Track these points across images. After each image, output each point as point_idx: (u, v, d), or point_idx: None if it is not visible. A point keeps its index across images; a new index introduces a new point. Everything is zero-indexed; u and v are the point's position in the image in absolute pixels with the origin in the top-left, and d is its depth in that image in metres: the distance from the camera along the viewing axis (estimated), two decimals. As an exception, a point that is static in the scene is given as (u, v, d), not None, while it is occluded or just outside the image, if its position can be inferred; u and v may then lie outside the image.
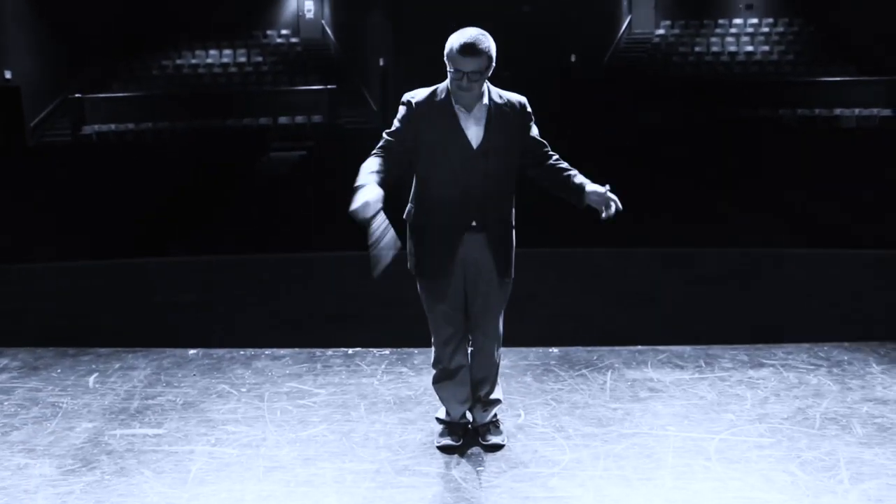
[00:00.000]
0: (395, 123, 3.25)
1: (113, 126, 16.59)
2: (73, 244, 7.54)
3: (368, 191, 2.97)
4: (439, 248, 3.29)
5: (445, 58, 3.15)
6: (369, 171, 3.08)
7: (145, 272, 6.56)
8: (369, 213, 2.94)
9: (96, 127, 16.58)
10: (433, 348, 3.45)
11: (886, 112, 16.00)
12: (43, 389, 4.19)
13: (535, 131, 3.31)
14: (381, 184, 3.05)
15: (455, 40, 3.12)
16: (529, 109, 3.30)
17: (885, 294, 6.03)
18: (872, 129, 15.44)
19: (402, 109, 3.25)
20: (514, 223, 3.37)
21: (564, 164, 3.33)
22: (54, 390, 4.17)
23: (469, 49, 3.08)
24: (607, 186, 3.20)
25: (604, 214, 3.17)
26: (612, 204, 3.15)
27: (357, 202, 2.94)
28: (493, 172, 3.22)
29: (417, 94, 3.25)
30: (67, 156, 13.63)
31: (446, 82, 3.23)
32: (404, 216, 3.35)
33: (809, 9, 20.09)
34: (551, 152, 3.34)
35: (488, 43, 3.12)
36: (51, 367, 4.51)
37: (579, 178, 3.27)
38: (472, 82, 3.12)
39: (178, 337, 5.07)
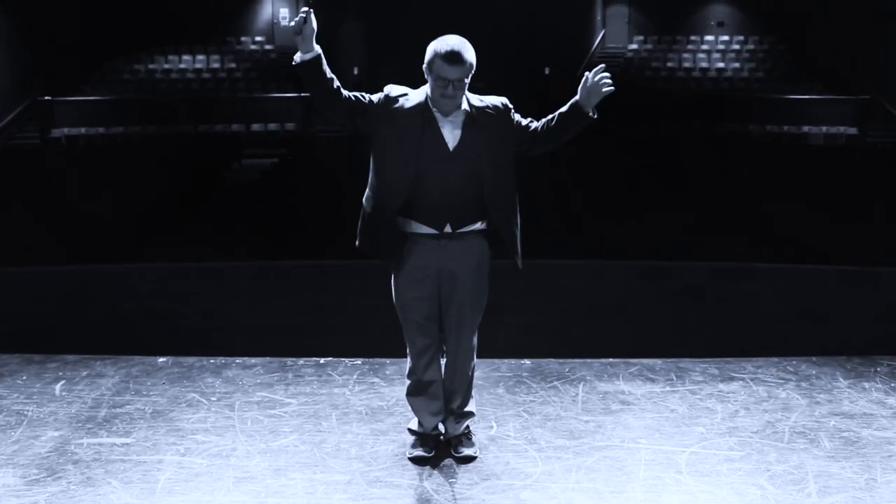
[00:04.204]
0: (369, 94, 3.25)
1: (83, 130, 16.37)
2: (41, 249, 7.43)
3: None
4: (414, 249, 3.28)
5: (427, 66, 3.15)
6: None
7: (114, 278, 6.48)
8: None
9: (66, 130, 16.35)
10: (408, 358, 3.44)
11: (853, 130, 16.28)
12: (7, 397, 4.11)
13: (518, 118, 3.31)
14: (324, 71, 3.11)
15: (439, 48, 3.11)
16: (511, 106, 3.30)
17: (852, 309, 6.13)
18: (839, 147, 15.70)
19: (378, 94, 3.25)
20: (517, 218, 3.35)
21: (546, 119, 3.32)
22: (19, 398, 4.10)
23: (455, 57, 3.08)
24: (588, 77, 3.20)
25: (606, 90, 3.19)
26: (604, 81, 3.18)
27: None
28: (470, 176, 3.22)
29: (397, 91, 3.24)
30: (35, 159, 13.44)
31: (426, 87, 3.22)
32: (363, 201, 3.33)
33: (779, 28, 20.41)
34: (536, 123, 3.32)
35: (472, 51, 3.14)
36: (16, 373, 4.43)
37: (563, 109, 3.28)
38: (457, 90, 3.13)
39: (148, 344, 5.01)
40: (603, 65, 3.26)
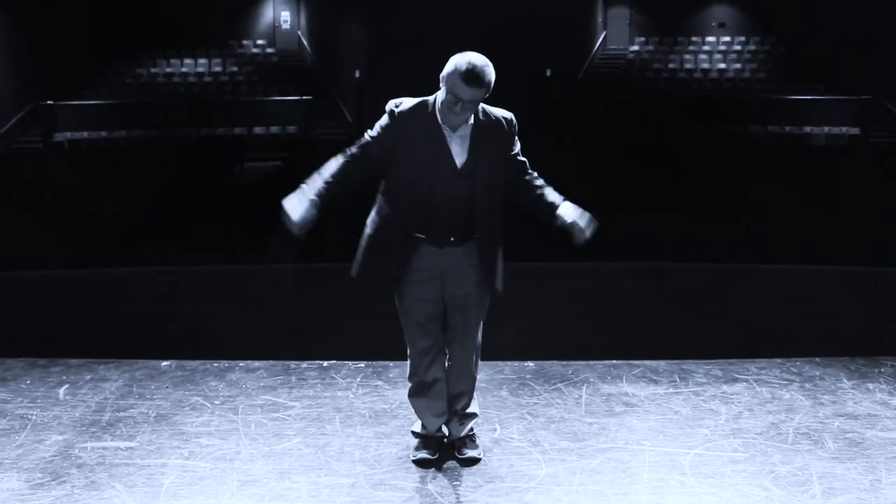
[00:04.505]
0: (374, 131, 3.22)
1: (85, 133, 16.39)
2: (44, 253, 7.45)
3: (302, 207, 3.10)
4: (417, 251, 3.28)
5: (444, 78, 3.09)
6: (325, 179, 3.18)
7: (116, 282, 6.50)
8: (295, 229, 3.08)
9: (68, 134, 16.37)
10: (409, 360, 3.44)
11: (854, 131, 16.26)
12: (11, 401, 4.11)
13: (517, 148, 3.30)
14: (327, 195, 3.15)
15: (461, 66, 3.03)
16: (516, 125, 3.28)
17: (855, 309, 6.13)
18: (841, 147, 15.69)
19: (384, 118, 3.21)
20: (501, 238, 3.37)
21: (539, 182, 3.32)
22: (23, 402, 4.10)
23: (475, 80, 3.02)
24: (575, 216, 3.21)
25: (576, 240, 3.21)
26: (582, 234, 3.19)
27: (293, 213, 3.08)
28: (475, 192, 3.22)
29: (404, 104, 3.20)
30: (38, 163, 13.46)
31: (434, 96, 3.19)
32: (368, 223, 3.33)
33: (781, 28, 20.40)
34: (529, 171, 3.33)
35: (492, 74, 3.07)
36: (20, 378, 4.44)
37: (552, 198, 3.27)
38: (467, 110, 3.10)
39: (151, 348, 5.02)
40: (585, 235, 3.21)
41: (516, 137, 3.29)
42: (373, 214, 3.33)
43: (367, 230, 3.32)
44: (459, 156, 3.19)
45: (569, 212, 3.22)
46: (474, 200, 3.22)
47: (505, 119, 3.25)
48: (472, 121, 3.19)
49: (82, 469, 3.39)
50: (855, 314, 6.11)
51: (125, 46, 19.26)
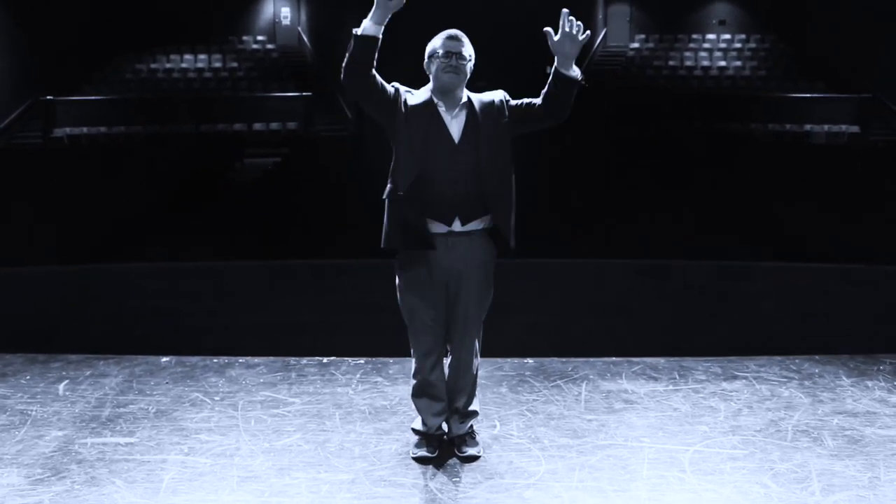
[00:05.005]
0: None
1: (85, 129, 16.37)
2: (44, 248, 7.45)
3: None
4: (422, 241, 3.27)
5: (430, 53, 3.30)
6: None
7: (116, 278, 6.49)
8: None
9: (67, 130, 16.36)
10: (413, 360, 3.45)
11: (854, 129, 16.26)
12: (11, 396, 4.12)
13: (516, 103, 3.35)
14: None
15: (440, 34, 3.30)
16: (508, 97, 3.37)
17: (854, 307, 6.13)
18: (841, 145, 15.69)
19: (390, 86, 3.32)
20: (512, 202, 3.36)
21: (542, 94, 3.31)
22: (23, 397, 4.11)
23: (456, 36, 3.29)
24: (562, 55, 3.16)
25: (581, 36, 3.16)
26: (574, 31, 3.15)
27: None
28: (474, 168, 3.26)
29: (403, 87, 3.35)
30: (37, 159, 13.45)
31: (427, 86, 3.34)
32: (384, 196, 3.36)
33: (781, 26, 20.39)
34: (536, 101, 3.31)
35: (468, 41, 3.31)
36: (19, 373, 4.44)
37: (549, 82, 3.26)
38: (461, 61, 3.25)
39: (151, 344, 5.02)
40: (566, 10, 3.17)
41: (511, 101, 3.36)
42: (386, 191, 3.36)
43: (386, 207, 3.37)
44: (456, 131, 3.29)
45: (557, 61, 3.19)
46: (480, 173, 3.26)
47: (499, 95, 3.37)
48: (465, 100, 3.31)
49: (82, 465, 3.39)
50: (854, 312, 6.12)
51: (125, 42, 19.24)
